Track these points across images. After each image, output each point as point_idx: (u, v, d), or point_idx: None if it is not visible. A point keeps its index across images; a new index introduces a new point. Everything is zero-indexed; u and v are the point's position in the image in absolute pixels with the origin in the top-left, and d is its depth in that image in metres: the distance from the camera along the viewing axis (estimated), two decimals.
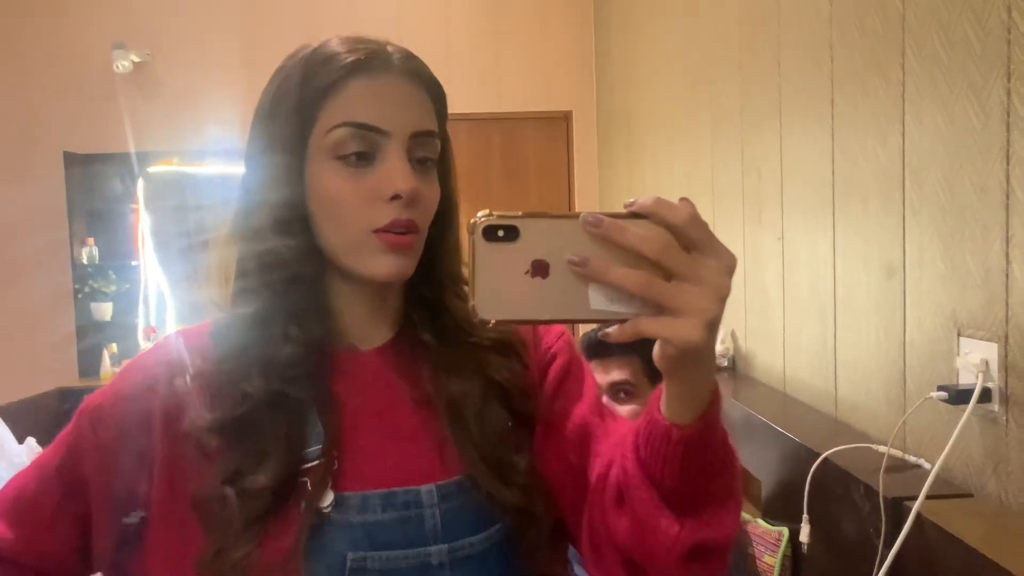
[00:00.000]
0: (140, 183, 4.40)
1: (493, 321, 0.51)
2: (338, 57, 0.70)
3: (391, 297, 0.79)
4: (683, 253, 0.51)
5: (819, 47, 1.65)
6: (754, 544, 1.60)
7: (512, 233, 0.51)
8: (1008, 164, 1.08)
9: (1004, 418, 1.10)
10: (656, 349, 0.54)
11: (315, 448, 0.70)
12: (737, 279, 2.36)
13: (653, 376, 1.57)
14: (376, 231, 0.70)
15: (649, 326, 0.51)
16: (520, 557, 0.72)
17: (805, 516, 1.39)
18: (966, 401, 1.10)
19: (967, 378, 1.14)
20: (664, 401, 0.58)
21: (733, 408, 1.88)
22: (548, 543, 0.73)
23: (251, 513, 0.67)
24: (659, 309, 0.51)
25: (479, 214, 0.51)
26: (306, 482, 0.69)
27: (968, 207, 1.17)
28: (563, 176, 4.36)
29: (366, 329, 0.77)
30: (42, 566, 0.75)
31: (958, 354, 1.18)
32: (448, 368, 0.75)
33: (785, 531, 1.55)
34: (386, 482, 0.71)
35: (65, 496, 0.74)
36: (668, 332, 0.51)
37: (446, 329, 0.77)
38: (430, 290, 0.78)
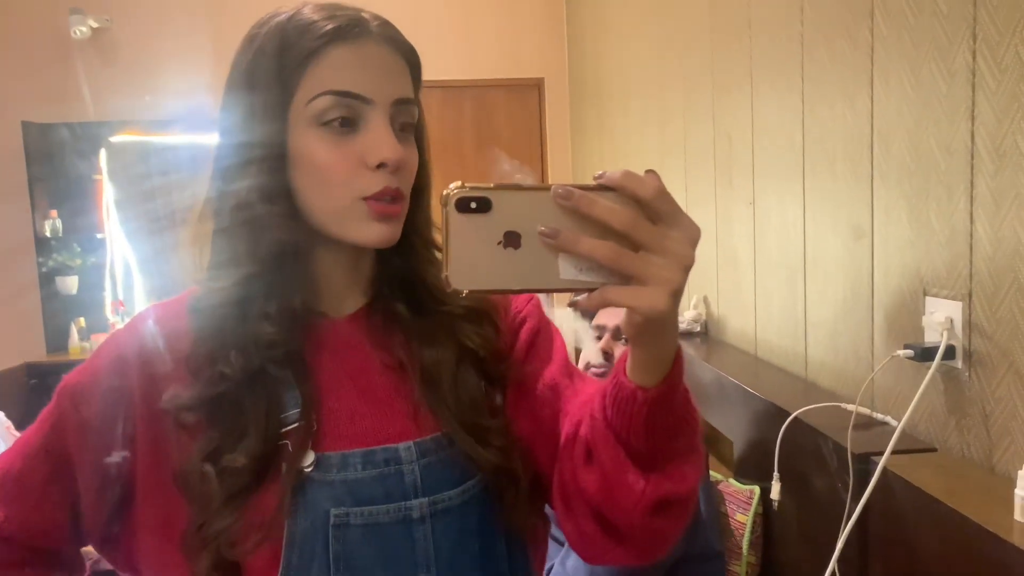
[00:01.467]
0: (103, 153, 4.31)
1: (466, 291, 0.53)
2: (316, 25, 0.70)
3: (364, 265, 0.80)
4: (650, 225, 0.53)
5: (790, 9, 1.65)
6: (726, 503, 1.64)
7: (484, 204, 0.52)
8: (973, 124, 1.10)
9: (967, 374, 1.13)
10: (623, 316, 0.57)
11: (293, 412, 0.71)
12: (708, 245, 2.40)
13: None
14: (366, 199, 0.71)
15: (616, 295, 0.53)
16: (499, 511, 0.75)
17: (776, 474, 1.42)
18: (931, 359, 1.13)
19: (932, 336, 1.17)
20: (630, 365, 0.61)
21: (705, 371, 1.91)
22: (526, 499, 0.75)
23: (231, 489, 0.68)
24: (626, 279, 0.53)
25: (451, 186, 0.52)
26: (287, 444, 0.70)
27: (934, 168, 1.19)
28: (536, 143, 4.34)
29: (341, 296, 0.79)
30: (34, 543, 0.76)
31: (924, 313, 1.21)
32: (421, 337, 0.77)
33: (756, 489, 1.58)
34: (365, 441, 0.73)
35: (52, 474, 0.74)
36: (635, 301, 0.53)
37: (419, 297, 0.79)
38: (402, 257, 0.79)
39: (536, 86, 4.31)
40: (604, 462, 0.64)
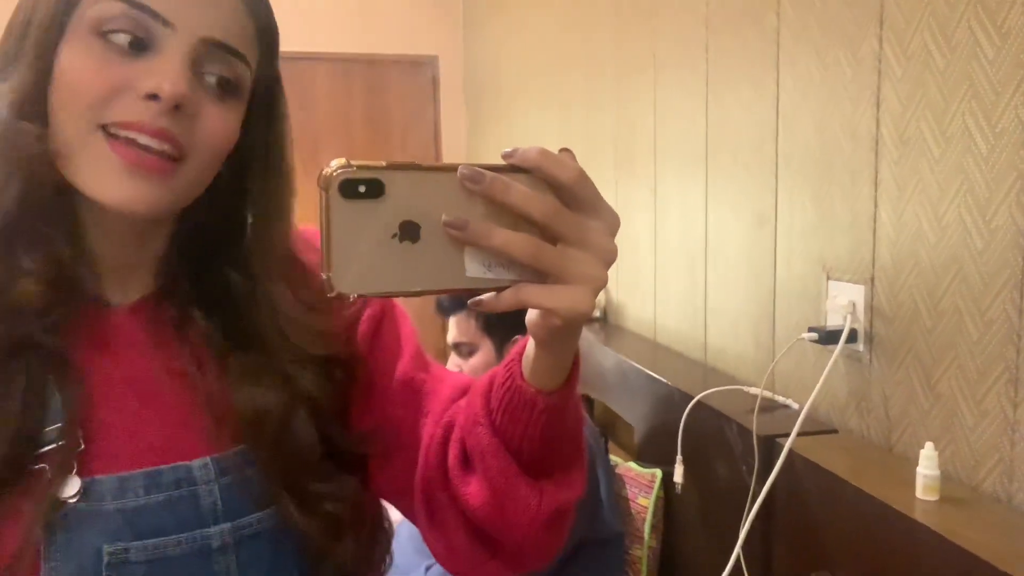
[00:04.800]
0: None
1: (353, 296, 0.43)
2: None
3: (155, 240, 0.66)
4: (571, 215, 0.46)
5: None
6: (627, 486, 1.63)
7: (375, 188, 0.42)
8: (878, 111, 1.11)
9: (868, 357, 1.15)
10: (534, 318, 0.50)
11: (53, 428, 0.58)
12: None
13: (488, 328, 1.60)
14: (108, 129, 0.56)
15: (534, 295, 0.46)
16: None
17: (679, 457, 1.42)
18: (835, 342, 1.15)
19: (835, 320, 1.19)
20: (531, 369, 0.53)
21: (606, 356, 1.90)
22: (365, 540, 0.66)
23: None
24: (543, 276, 0.46)
25: (333, 163, 0.42)
26: (43, 469, 0.57)
27: (839, 154, 1.21)
28: (429, 124, 4.25)
29: (121, 276, 0.65)
30: None
31: (827, 297, 1.23)
32: (241, 370, 0.64)
33: (658, 472, 1.59)
34: (149, 459, 0.60)
35: None
36: (555, 302, 0.46)
37: (246, 324, 0.65)
38: (235, 269, 0.65)
39: (430, 64, 4.22)
40: (492, 474, 0.57)
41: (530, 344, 0.53)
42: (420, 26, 4.16)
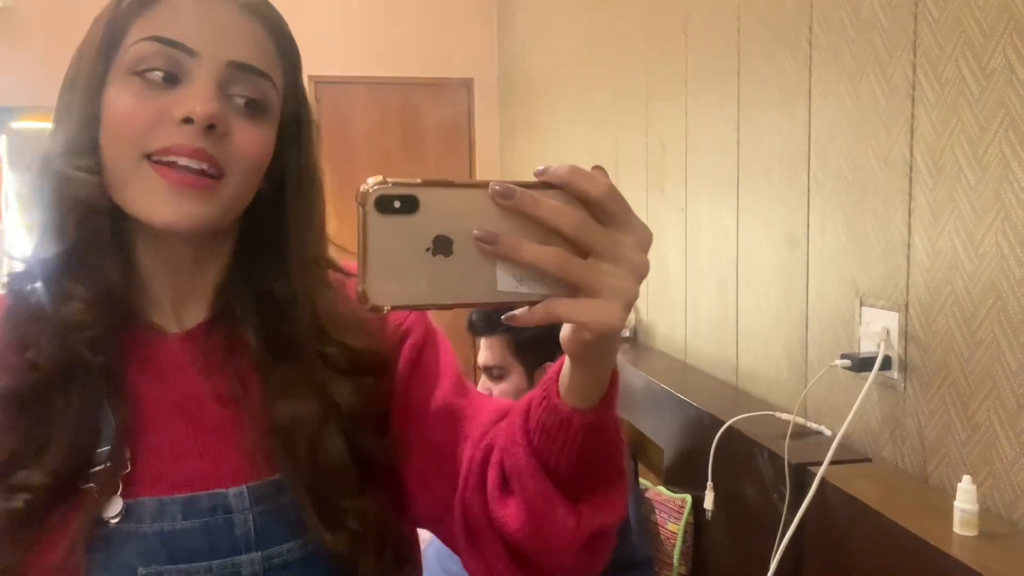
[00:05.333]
0: (3, 139, 4.02)
1: (388, 307, 0.45)
2: None
3: (210, 267, 0.69)
4: (601, 229, 0.46)
5: (726, 18, 1.65)
6: (657, 511, 1.62)
7: (410, 204, 0.44)
8: (912, 137, 1.11)
9: (902, 385, 1.13)
10: (566, 333, 0.50)
11: (104, 449, 0.61)
12: None
13: (520, 352, 1.59)
14: (152, 157, 0.59)
15: (565, 309, 0.46)
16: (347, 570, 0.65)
17: (709, 483, 1.41)
18: (868, 369, 1.14)
19: (868, 347, 1.18)
20: (567, 387, 0.53)
21: (635, 377, 1.89)
22: (390, 564, 0.66)
23: (20, 515, 0.57)
24: (574, 290, 0.46)
25: (370, 180, 0.44)
26: (91, 488, 0.59)
27: (871, 179, 1.20)
28: (464, 144, 4.29)
29: (175, 305, 0.68)
30: None
31: (860, 323, 1.22)
32: (277, 384, 0.66)
33: (688, 498, 1.57)
34: (189, 485, 0.62)
35: None
36: (586, 316, 0.46)
37: (286, 331, 0.67)
38: (279, 280, 0.68)
39: (465, 86, 4.26)
40: (529, 496, 0.57)
41: (566, 363, 0.53)
42: (456, 49, 4.22)
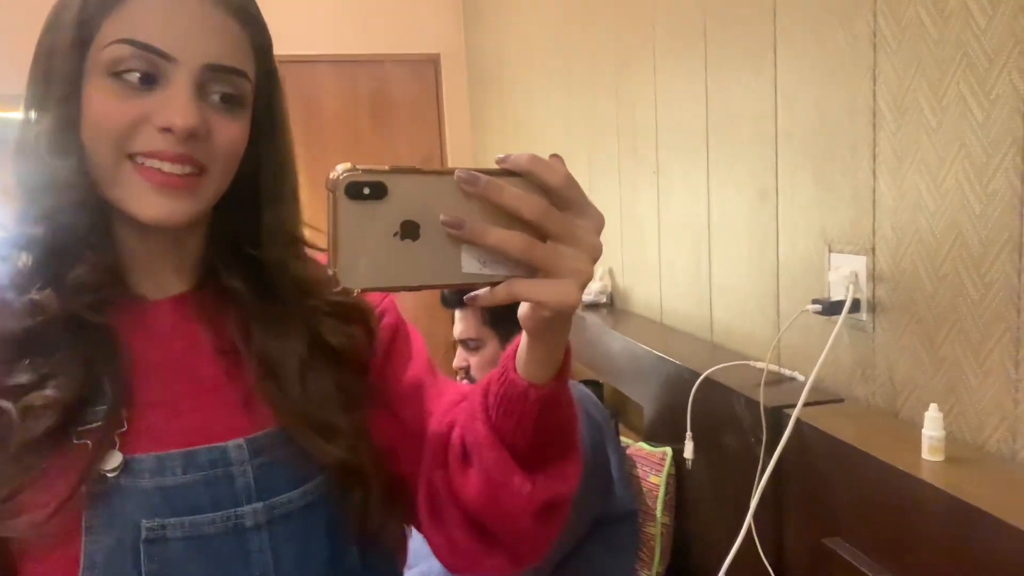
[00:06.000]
0: None
1: (357, 290, 0.48)
2: None
3: (191, 244, 0.71)
4: (560, 214, 0.50)
5: None
6: (639, 466, 1.66)
7: (378, 190, 0.46)
8: (875, 84, 1.13)
9: (871, 326, 1.17)
10: (525, 311, 0.54)
11: (100, 408, 0.62)
12: (613, 217, 2.38)
13: (493, 323, 1.63)
14: (135, 159, 0.62)
15: (526, 289, 0.50)
16: (349, 513, 0.68)
17: (688, 434, 1.45)
18: (838, 312, 1.17)
19: (838, 292, 1.21)
20: (524, 362, 0.58)
21: (613, 340, 1.92)
22: (379, 499, 0.68)
23: (32, 432, 0.58)
24: (534, 271, 0.50)
25: (339, 168, 0.46)
26: (86, 444, 0.61)
27: (838, 129, 1.22)
28: (433, 121, 4.27)
29: (157, 278, 0.70)
30: None
31: (829, 269, 1.25)
32: (266, 324, 0.68)
33: (668, 451, 1.61)
34: (187, 440, 0.64)
35: None
36: (546, 295, 0.50)
37: (273, 285, 0.70)
38: (258, 250, 0.70)
39: (432, 62, 4.24)
40: (487, 465, 0.61)
41: (523, 339, 0.57)
42: (421, 25, 4.19)
